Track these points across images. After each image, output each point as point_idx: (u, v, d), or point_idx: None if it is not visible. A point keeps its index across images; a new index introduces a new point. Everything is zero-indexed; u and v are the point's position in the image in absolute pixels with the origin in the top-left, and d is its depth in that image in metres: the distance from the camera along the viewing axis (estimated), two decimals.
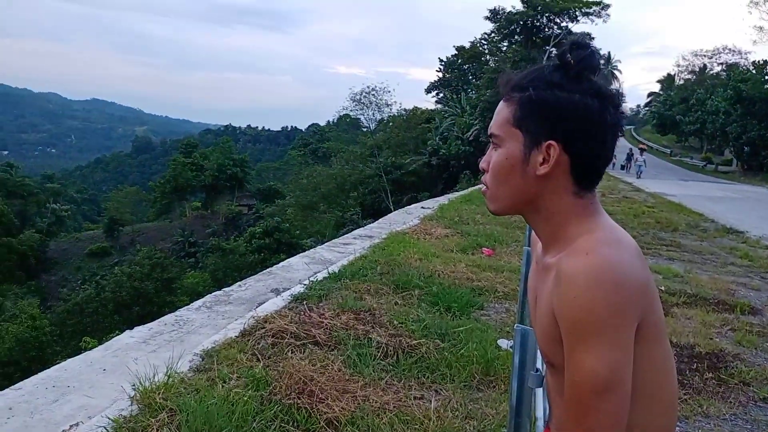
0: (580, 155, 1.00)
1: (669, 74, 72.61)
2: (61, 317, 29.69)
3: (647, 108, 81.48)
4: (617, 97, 1.01)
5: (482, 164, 1.09)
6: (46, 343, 25.70)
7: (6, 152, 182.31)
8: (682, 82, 64.75)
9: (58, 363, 3.58)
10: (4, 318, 31.80)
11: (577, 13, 39.77)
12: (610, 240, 0.96)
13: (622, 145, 44.69)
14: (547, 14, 39.96)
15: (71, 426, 2.67)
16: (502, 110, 1.06)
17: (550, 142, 0.99)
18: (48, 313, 33.65)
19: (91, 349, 3.84)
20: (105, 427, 2.55)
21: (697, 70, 61.63)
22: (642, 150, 31.84)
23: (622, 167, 30.92)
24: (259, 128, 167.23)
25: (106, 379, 3.19)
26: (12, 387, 3.14)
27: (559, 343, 0.96)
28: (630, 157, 31.20)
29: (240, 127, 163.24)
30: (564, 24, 40.60)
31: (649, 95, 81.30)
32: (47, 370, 3.41)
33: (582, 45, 1.00)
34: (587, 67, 0.99)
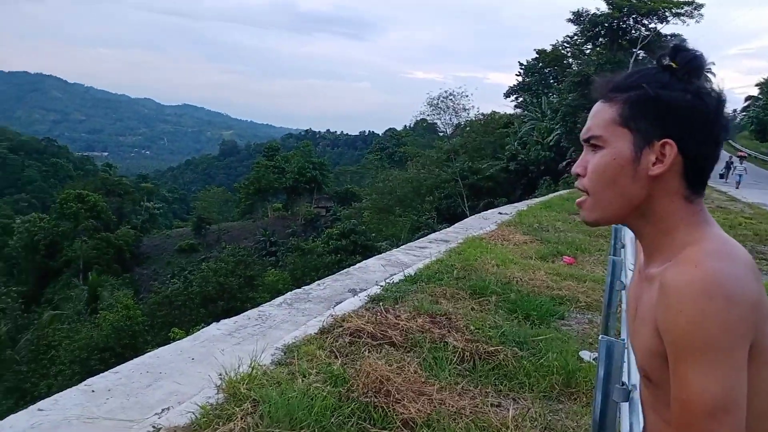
0: (695, 156, 0.97)
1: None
2: (152, 308, 31.48)
3: (744, 113, 76.08)
4: (725, 99, 0.98)
5: (577, 169, 1.05)
6: (139, 332, 27.36)
7: (106, 153, 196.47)
8: None
9: (149, 351, 3.81)
10: (102, 307, 34.23)
11: (666, 13, 37.72)
12: (722, 252, 0.91)
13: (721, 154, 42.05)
14: (633, 15, 38.19)
15: (163, 410, 2.84)
16: (603, 111, 1.02)
17: (666, 140, 0.96)
18: (140, 304, 35.82)
19: (178, 339, 4.06)
20: (193, 413, 2.69)
21: None
22: (742, 158, 29.57)
23: (721, 176, 28.80)
24: (338, 133, 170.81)
25: (194, 367, 3.37)
26: (111, 370, 3.38)
27: (659, 357, 0.92)
28: (729, 165, 28.94)
29: (320, 132, 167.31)
30: (652, 25, 38.65)
31: (746, 99, 75.80)
32: (142, 356, 3.65)
33: (686, 48, 0.98)
34: (695, 69, 0.97)
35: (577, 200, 1.07)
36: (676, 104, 0.96)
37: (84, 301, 39.30)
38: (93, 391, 3.06)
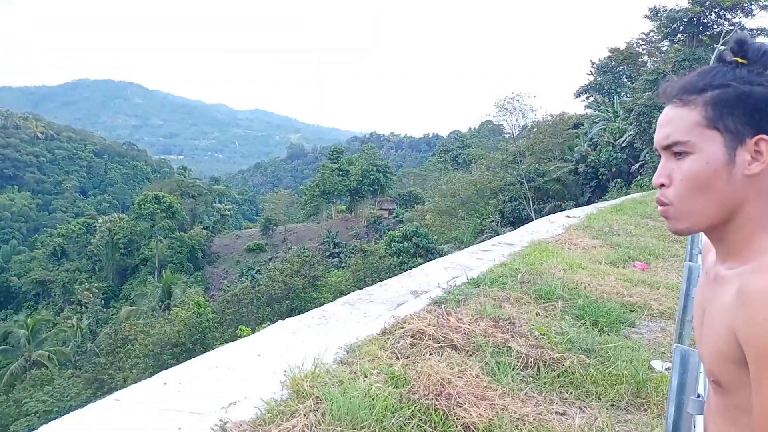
0: None
1: None
2: (221, 306, 32.62)
3: None
4: None
5: (661, 179, 1.00)
6: (208, 329, 28.42)
7: (182, 157, 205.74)
8: None
9: (218, 347, 3.95)
10: (175, 304, 35.81)
11: (752, 6, 35.57)
12: None
13: None
14: (716, 9, 36.22)
15: (230, 404, 2.93)
16: (683, 114, 0.98)
17: (762, 136, 0.92)
18: (210, 301, 37.26)
19: (245, 336, 4.18)
20: (259, 408, 2.77)
21: None
22: None
23: None
24: (402, 135, 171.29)
25: (260, 364, 3.46)
26: (183, 364, 3.53)
27: (733, 362, 0.89)
28: None
29: (383, 135, 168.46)
30: (736, 20, 36.52)
31: None
32: (210, 352, 3.79)
33: (752, 41, 0.95)
34: None
35: (661, 210, 1.02)
36: (764, 98, 0.92)
37: (158, 298, 41.31)
38: (165, 383, 3.20)
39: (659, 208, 1.03)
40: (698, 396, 1.68)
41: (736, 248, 0.97)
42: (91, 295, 44.73)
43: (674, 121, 0.99)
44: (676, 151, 0.98)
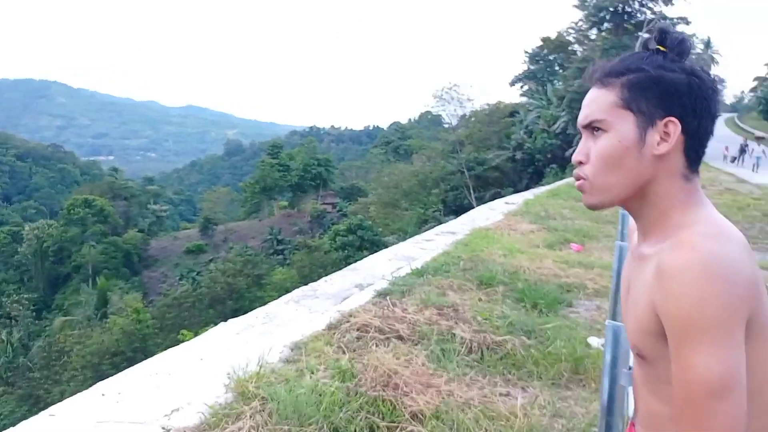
0: (695, 133, 0.99)
1: None
2: (162, 311, 31.70)
3: (752, 93, 75.42)
4: (715, 76, 1.01)
5: (579, 156, 1.05)
6: (149, 335, 27.59)
7: (112, 157, 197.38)
8: None
9: (159, 353, 3.83)
10: (112, 311, 34.51)
11: None
12: (717, 233, 0.93)
13: (728, 136, 41.51)
14: None
15: (173, 411, 2.84)
16: (602, 95, 1.03)
17: (670, 118, 0.97)
18: (150, 307, 36.10)
19: (188, 340, 4.07)
20: (203, 413, 2.70)
21: None
22: (760, 140, 28.05)
23: (733, 160, 27.59)
24: (342, 128, 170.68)
25: (203, 368, 3.38)
26: (121, 373, 3.39)
27: (654, 336, 0.94)
28: (744, 148, 27.78)
29: (324, 128, 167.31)
30: (657, 9, 38.36)
31: (755, 79, 75.13)
32: (150, 358, 3.66)
33: (673, 31, 1.01)
34: (684, 51, 1.00)
35: (576, 184, 1.08)
36: (675, 83, 0.97)
37: (94, 306, 39.67)
38: (103, 394, 3.07)
39: (576, 183, 1.08)
40: (630, 368, 1.76)
41: (653, 226, 1.02)
42: (20, 307, 42.33)
43: (594, 102, 1.04)
44: (595, 128, 1.03)
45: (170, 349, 3.82)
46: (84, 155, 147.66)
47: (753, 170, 23.34)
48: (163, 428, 2.62)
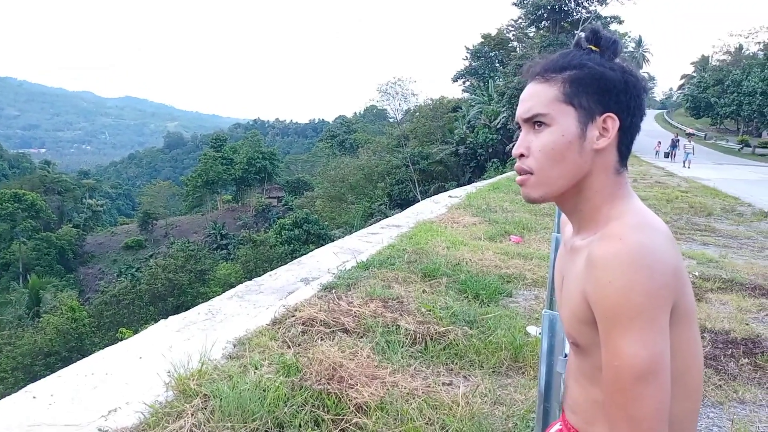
0: (628, 129, 1.04)
1: (703, 55, 70.48)
2: (99, 309, 30.50)
3: (680, 91, 79.27)
4: (642, 75, 1.07)
5: (520, 150, 1.06)
6: (85, 334, 26.49)
7: (43, 150, 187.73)
8: (717, 63, 62.78)
9: (96, 353, 3.69)
10: (45, 310, 32.90)
11: None
12: (643, 224, 0.97)
13: (658, 132, 43.44)
14: None
15: (110, 411, 2.76)
16: (543, 90, 1.05)
17: (609, 114, 1.01)
18: (86, 305, 34.68)
19: (127, 339, 3.95)
20: (142, 413, 2.63)
21: (733, 50, 59.65)
22: (690, 136, 28.98)
23: (666, 155, 28.50)
24: (287, 121, 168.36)
25: (142, 366, 3.29)
26: (54, 374, 3.25)
27: (586, 324, 0.97)
28: (675, 144, 28.82)
29: (268, 121, 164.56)
30: (593, 8, 39.71)
31: (682, 77, 78.96)
32: (86, 358, 3.53)
33: (604, 32, 1.06)
34: (616, 51, 1.05)
35: (518, 179, 1.09)
36: (614, 81, 1.01)
37: (25, 305, 37.68)
38: (34, 397, 2.94)
39: (518, 177, 1.09)
40: (565, 356, 1.83)
41: (586, 220, 1.06)
42: None
43: (535, 96, 1.06)
44: (537, 122, 1.05)
45: (108, 347, 3.69)
46: (13, 148, 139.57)
47: (684, 166, 23.81)
48: (100, 430, 2.54)
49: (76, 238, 57.87)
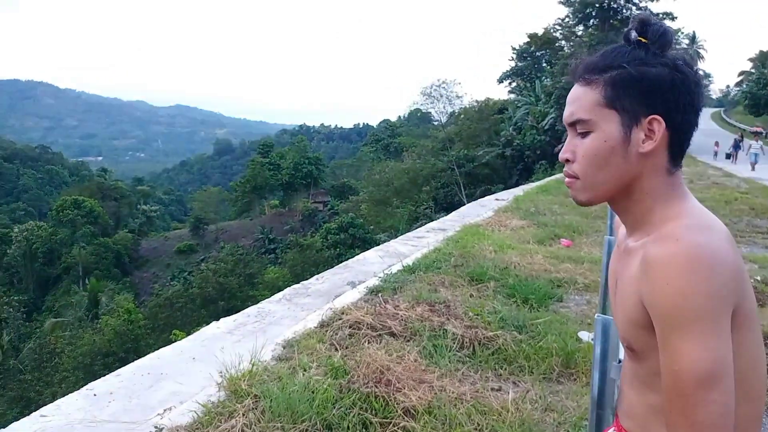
0: (680, 128, 0.99)
1: (762, 51, 67.33)
2: (153, 311, 31.48)
3: (738, 88, 76.00)
4: (698, 68, 1.01)
5: (565, 155, 1.05)
6: (141, 336, 27.40)
7: (101, 158, 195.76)
8: None
9: (151, 353, 3.81)
10: (103, 312, 34.24)
11: None
12: (701, 225, 0.94)
13: (715, 131, 41.65)
14: None
15: (165, 410, 2.84)
16: (585, 94, 1.03)
17: (654, 116, 0.97)
18: (141, 307, 35.85)
19: (180, 340, 4.06)
20: (195, 412, 2.70)
21: None
22: (757, 135, 25.42)
23: (728, 156, 25.70)
24: (332, 126, 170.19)
25: (195, 367, 3.38)
26: (112, 373, 3.38)
27: (642, 328, 0.95)
28: (738, 144, 26.14)
29: (314, 126, 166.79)
30: (643, 4, 38.58)
31: (740, 74, 75.69)
32: (142, 358, 3.65)
33: (652, 22, 1.00)
34: (667, 43, 0.99)
35: (566, 181, 1.08)
36: (658, 79, 0.97)
37: (85, 307, 39.31)
38: (95, 395, 3.06)
39: (566, 180, 1.08)
40: (619, 361, 1.78)
41: (639, 221, 1.03)
42: (11, 309, 41.90)
43: (578, 100, 1.04)
44: (581, 127, 1.03)
45: (162, 348, 3.81)
46: (72, 156, 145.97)
47: (752, 169, 20.78)
48: (156, 427, 2.62)
49: (132, 243, 59.99)
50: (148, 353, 3.77)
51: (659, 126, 0.97)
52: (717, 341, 0.85)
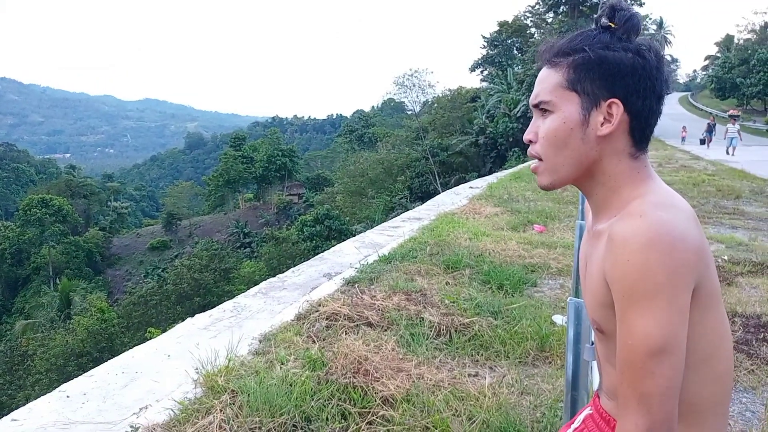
0: (640, 113, 0.99)
1: (728, 35, 68.71)
2: (127, 309, 30.97)
3: (704, 72, 77.53)
4: (663, 55, 1.01)
5: (528, 136, 1.07)
6: (115, 335, 26.94)
7: (68, 155, 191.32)
8: (741, 42, 61.21)
9: (126, 352, 3.76)
10: (76, 312, 33.58)
11: None
12: (665, 203, 0.95)
13: (681, 114, 42.52)
14: None
15: (141, 409, 2.81)
16: (549, 76, 1.04)
17: (612, 100, 0.98)
18: (115, 306, 35.28)
19: (155, 338, 4.01)
20: (172, 409, 2.67)
21: (758, 28, 58.10)
22: (734, 118, 23.78)
23: (702, 142, 25.01)
24: (305, 118, 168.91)
25: (171, 364, 3.34)
26: (86, 374, 3.32)
27: (609, 308, 0.96)
28: (711, 128, 25.33)
29: (287, 118, 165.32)
30: None
31: (705, 58, 77.21)
32: (116, 357, 3.59)
33: (623, 7, 1.01)
34: (633, 28, 1.00)
35: (532, 166, 1.09)
36: (618, 64, 0.98)
37: (56, 308, 38.51)
38: (68, 396, 3.01)
39: (531, 165, 1.10)
40: (592, 343, 1.81)
41: (604, 204, 1.04)
42: None
43: (543, 82, 1.05)
44: (543, 109, 1.04)
45: (137, 347, 3.75)
46: (38, 154, 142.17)
47: (728, 153, 20.13)
48: (132, 427, 2.58)
49: (103, 241, 58.93)
50: (123, 352, 3.71)
51: (618, 109, 0.98)
52: (671, 317, 0.87)
